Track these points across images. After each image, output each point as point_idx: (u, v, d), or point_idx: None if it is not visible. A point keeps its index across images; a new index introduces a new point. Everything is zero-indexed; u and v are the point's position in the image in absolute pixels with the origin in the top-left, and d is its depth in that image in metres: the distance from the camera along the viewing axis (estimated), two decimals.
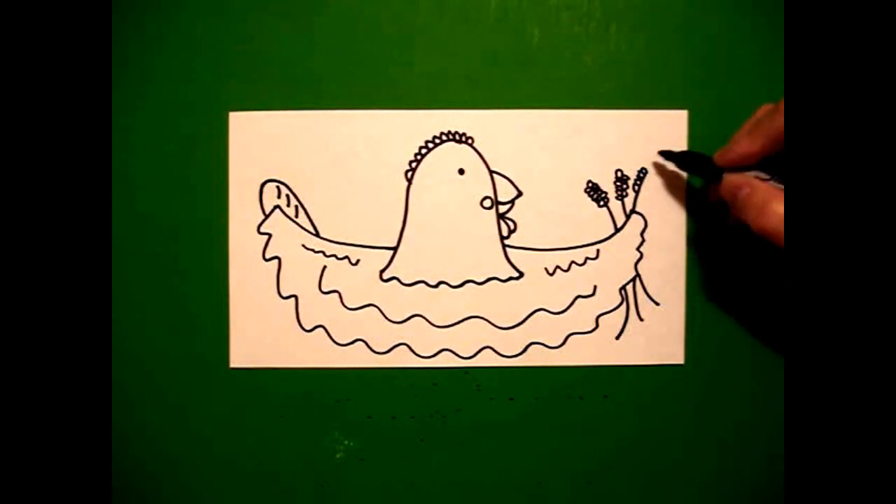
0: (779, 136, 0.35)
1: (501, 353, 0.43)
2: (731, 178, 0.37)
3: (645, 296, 0.43)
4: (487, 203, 0.43)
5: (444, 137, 0.43)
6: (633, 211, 0.43)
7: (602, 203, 0.43)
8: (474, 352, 0.43)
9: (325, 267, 0.43)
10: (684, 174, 0.42)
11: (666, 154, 0.41)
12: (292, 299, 0.43)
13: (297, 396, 0.43)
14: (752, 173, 0.37)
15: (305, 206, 0.43)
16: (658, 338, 0.43)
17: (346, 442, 0.43)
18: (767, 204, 0.35)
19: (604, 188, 0.43)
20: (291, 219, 0.43)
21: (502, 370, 0.43)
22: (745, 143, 0.37)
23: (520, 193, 0.43)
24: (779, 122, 0.35)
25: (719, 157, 0.38)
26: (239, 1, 0.42)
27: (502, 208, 0.43)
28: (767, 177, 0.37)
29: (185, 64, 0.42)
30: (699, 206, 0.43)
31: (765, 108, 0.38)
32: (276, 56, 0.42)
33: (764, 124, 0.36)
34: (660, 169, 0.43)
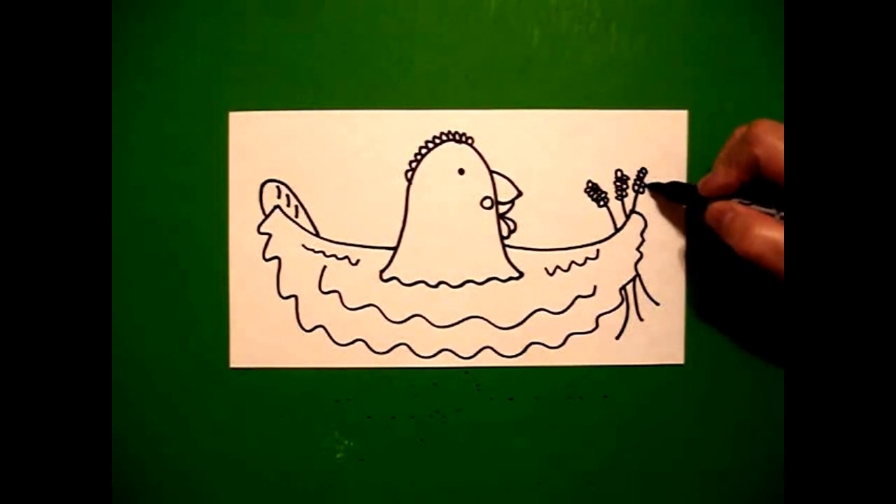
0: (751, 166, 0.36)
1: (501, 353, 0.43)
2: (714, 206, 0.39)
3: (645, 296, 0.43)
4: (487, 203, 0.43)
5: (444, 137, 0.43)
6: (632, 211, 0.43)
7: (602, 203, 0.43)
8: (474, 352, 0.43)
9: (325, 267, 0.43)
10: (684, 172, 0.42)
11: (654, 186, 0.42)
12: (292, 299, 0.43)
13: (297, 396, 0.43)
14: (735, 200, 0.38)
15: (305, 206, 0.43)
16: (658, 338, 0.43)
17: (346, 442, 0.43)
18: (749, 228, 0.36)
19: (604, 188, 0.43)
20: (291, 219, 0.43)
21: (502, 370, 0.43)
22: (722, 174, 0.38)
23: (520, 193, 0.43)
24: (748, 151, 0.36)
25: (702, 186, 0.40)
26: (239, 1, 0.42)
27: (502, 208, 0.43)
28: (749, 202, 0.38)
29: (184, 64, 0.42)
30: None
31: (737, 134, 0.38)
32: (276, 56, 0.42)
33: (735, 154, 0.37)
34: (659, 169, 0.43)
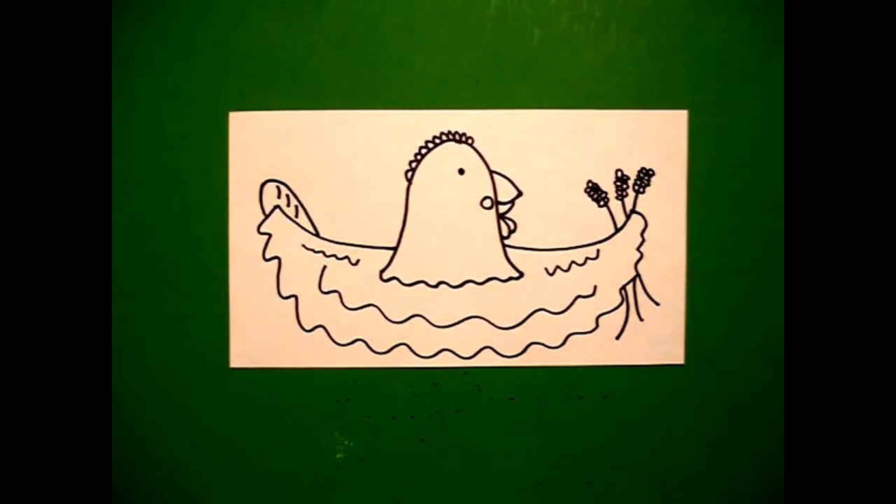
0: None
1: (501, 353, 0.43)
2: None
3: (645, 296, 0.43)
4: (487, 203, 0.43)
5: (444, 137, 0.43)
6: (633, 211, 0.43)
7: (602, 203, 0.43)
8: (474, 352, 0.43)
9: (325, 267, 0.43)
10: (684, 172, 0.42)
11: None
12: (292, 299, 0.43)
13: (297, 396, 0.43)
14: None
15: (305, 206, 0.43)
16: (658, 338, 0.43)
17: (346, 442, 0.43)
18: None
19: (604, 188, 0.43)
20: (291, 219, 0.43)
21: (502, 370, 0.43)
22: None
23: (520, 193, 0.43)
24: None
25: None
26: (239, 1, 0.42)
27: (502, 208, 0.43)
28: None
29: (185, 64, 0.42)
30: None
31: None
32: (276, 56, 0.42)
33: None
34: (660, 168, 0.43)
